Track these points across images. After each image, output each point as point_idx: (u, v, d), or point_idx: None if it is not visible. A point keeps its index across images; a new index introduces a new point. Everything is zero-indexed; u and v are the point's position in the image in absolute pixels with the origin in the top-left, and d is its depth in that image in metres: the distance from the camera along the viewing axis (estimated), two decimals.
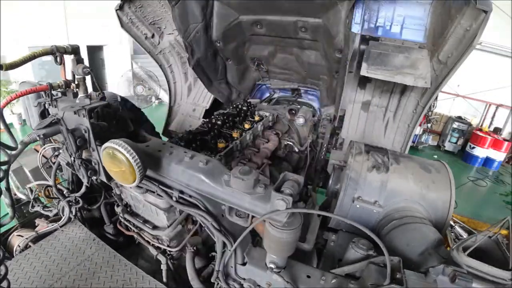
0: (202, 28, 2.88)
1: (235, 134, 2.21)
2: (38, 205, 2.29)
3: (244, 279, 1.43)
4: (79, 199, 1.95)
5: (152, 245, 1.84)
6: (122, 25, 3.18)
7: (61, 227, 2.04)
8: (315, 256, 1.78)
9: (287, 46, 3.23)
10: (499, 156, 9.33)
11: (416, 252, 1.38)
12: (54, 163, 1.87)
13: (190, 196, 1.34)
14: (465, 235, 4.21)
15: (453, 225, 4.36)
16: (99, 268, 1.77)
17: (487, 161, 9.53)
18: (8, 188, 1.29)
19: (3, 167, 1.20)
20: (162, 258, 1.79)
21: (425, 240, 1.40)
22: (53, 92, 1.62)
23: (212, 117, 2.50)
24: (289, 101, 4.10)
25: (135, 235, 1.92)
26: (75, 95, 1.73)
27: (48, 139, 1.85)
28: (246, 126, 2.38)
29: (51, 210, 2.25)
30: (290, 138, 2.74)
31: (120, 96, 2.10)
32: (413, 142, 8.23)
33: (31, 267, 1.75)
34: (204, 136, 2.11)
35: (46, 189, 2.33)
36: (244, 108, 2.75)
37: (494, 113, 10.81)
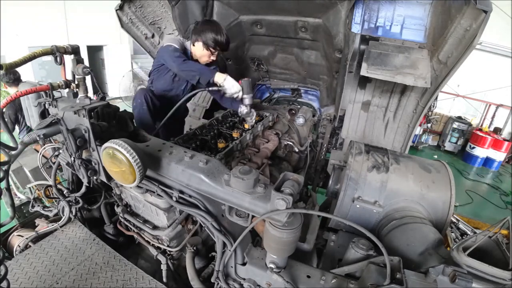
0: None
1: (235, 134, 2.21)
2: (38, 205, 2.29)
3: (244, 279, 1.43)
4: (79, 199, 1.95)
5: (152, 245, 1.83)
6: (122, 25, 3.18)
7: (61, 227, 2.04)
8: (315, 256, 1.78)
9: (287, 46, 3.24)
10: (499, 156, 9.32)
11: (416, 252, 1.38)
12: (54, 163, 1.87)
13: (190, 196, 1.34)
14: (469, 232, 4.21)
15: (456, 222, 4.35)
16: (99, 268, 1.77)
17: (487, 161, 9.52)
18: (8, 188, 1.28)
19: (3, 167, 1.20)
20: (162, 258, 1.78)
21: (425, 240, 1.40)
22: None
23: (213, 118, 2.51)
24: (289, 101, 4.10)
25: (135, 235, 1.92)
26: (75, 95, 1.73)
27: (48, 139, 1.85)
28: (246, 126, 2.38)
29: (51, 210, 2.25)
30: (290, 138, 2.74)
31: None
32: (413, 142, 8.22)
33: (31, 267, 1.75)
34: (204, 136, 2.11)
35: (46, 189, 2.33)
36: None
37: (494, 113, 10.80)
